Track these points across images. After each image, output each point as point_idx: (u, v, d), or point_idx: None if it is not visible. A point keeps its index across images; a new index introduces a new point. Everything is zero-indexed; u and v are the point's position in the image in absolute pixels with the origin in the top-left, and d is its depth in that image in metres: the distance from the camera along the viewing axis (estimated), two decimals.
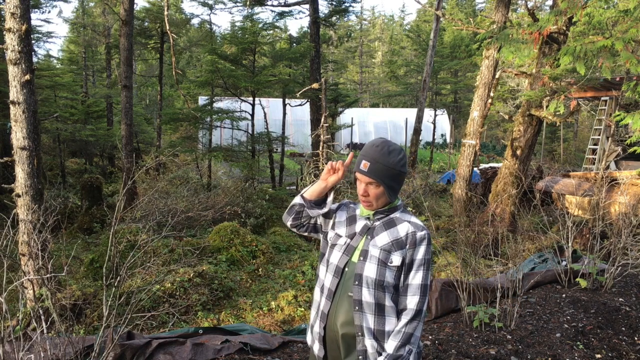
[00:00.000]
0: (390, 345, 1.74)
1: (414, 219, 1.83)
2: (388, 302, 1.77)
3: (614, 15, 5.79)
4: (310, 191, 1.90)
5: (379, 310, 1.77)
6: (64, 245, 6.70)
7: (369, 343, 1.77)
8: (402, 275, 1.78)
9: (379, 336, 1.76)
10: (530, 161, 8.50)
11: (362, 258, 1.81)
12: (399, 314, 1.78)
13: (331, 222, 1.96)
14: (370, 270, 1.77)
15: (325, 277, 1.89)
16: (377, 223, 1.84)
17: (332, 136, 17.52)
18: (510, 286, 3.82)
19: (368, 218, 1.87)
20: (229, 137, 18.32)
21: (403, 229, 1.80)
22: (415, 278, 1.77)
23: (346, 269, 1.83)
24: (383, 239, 1.80)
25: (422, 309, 1.76)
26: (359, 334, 1.78)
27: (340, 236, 1.89)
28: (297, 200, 1.92)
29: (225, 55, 12.35)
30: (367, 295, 1.76)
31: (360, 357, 1.79)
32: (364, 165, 1.77)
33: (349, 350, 1.83)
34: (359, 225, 1.88)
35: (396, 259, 1.76)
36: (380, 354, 1.76)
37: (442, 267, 6.58)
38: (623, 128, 10.98)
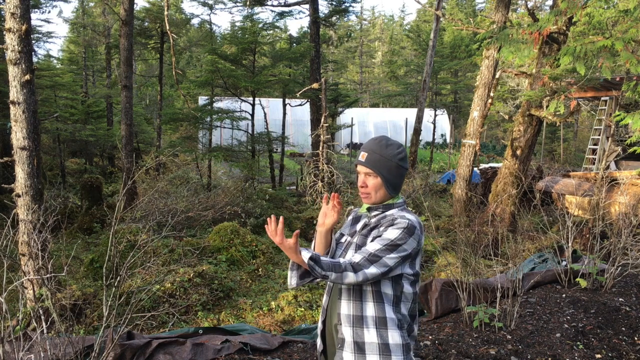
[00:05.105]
0: None
1: (408, 215, 1.77)
2: (366, 286, 1.73)
3: (614, 15, 5.79)
4: (318, 248, 1.87)
5: (356, 295, 1.74)
6: (64, 245, 6.69)
7: (347, 331, 1.74)
8: None
9: (357, 323, 1.73)
10: (530, 161, 8.50)
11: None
12: (377, 296, 1.73)
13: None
14: (349, 256, 1.76)
15: None
16: (373, 220, 1.84)
17: (332, 136, 17.52)
18: (510, 286, 3.82)
19: (367, 215, 1.89)
20: (229, 137, 18.31)
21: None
22: (370, 245, 1.70)
23: None
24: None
25: (358, 267, 1.63)
26: (339, 322, 1.77)
27: (343, 235, 1.93)
28: (312, 264, 1.63)
29: (225, 55, 12.35)
30: None
31: (339, 345, 1.76)
32: (362, 156, 1.81)
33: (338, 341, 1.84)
34: (361, 224, 1.90)
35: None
36: (358, 343, 1.70)
37: (442, 267, 6.58)
38: (623, 128, 10.97)
